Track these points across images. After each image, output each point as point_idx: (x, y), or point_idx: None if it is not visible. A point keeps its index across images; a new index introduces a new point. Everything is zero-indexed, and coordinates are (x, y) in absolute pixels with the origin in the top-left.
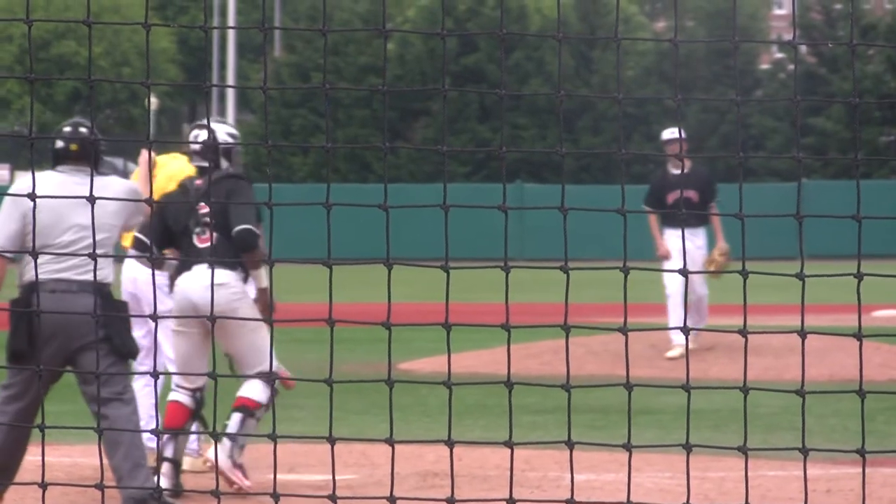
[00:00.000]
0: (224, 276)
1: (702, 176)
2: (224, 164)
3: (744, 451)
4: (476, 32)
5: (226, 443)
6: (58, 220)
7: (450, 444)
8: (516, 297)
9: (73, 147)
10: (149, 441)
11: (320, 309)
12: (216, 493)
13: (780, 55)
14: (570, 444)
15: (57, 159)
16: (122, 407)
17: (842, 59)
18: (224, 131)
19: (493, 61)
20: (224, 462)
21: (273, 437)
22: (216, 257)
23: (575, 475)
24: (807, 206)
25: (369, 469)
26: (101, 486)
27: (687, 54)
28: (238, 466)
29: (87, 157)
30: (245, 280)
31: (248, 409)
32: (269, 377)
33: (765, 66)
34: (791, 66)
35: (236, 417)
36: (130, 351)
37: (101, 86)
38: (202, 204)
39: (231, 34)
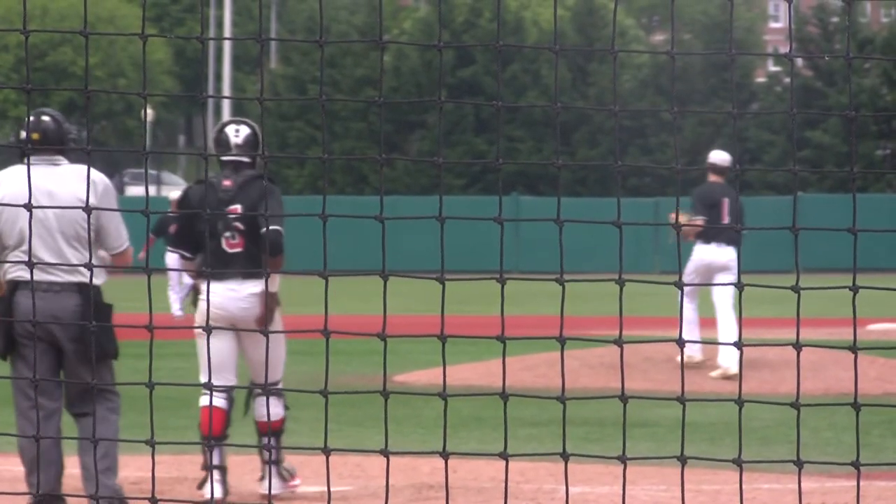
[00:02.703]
0: (259, 286)
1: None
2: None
3: (739, 463)
4: (473, 45)
5: (274, 469)
6: (16, 217)
7: (445, 455)
8: (512, 310)
9: (35, 136)
10: None
11: (316, 320)
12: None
13: (776, 68)
14: (566, 457)
15: (23, 152)
16: (101, 408)
17: (838, 73)
18: (256, 129)
19: (490, 74)
20: (280, 486)
21: (268, 449)
22: (247, 263)
23: (570, 487)
24: (803, 219)
25: (364, 481)
26: (95, 497)
27: (683, 67)
28: (291, 477)
29: (51, 144)
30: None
31: (278, 430)
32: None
33: (761, 80)
34: (787, 79)
35: (272, 442)
36: (106, 352)
37: (96, 96)
38: (232, 207)
39: (227, 46)
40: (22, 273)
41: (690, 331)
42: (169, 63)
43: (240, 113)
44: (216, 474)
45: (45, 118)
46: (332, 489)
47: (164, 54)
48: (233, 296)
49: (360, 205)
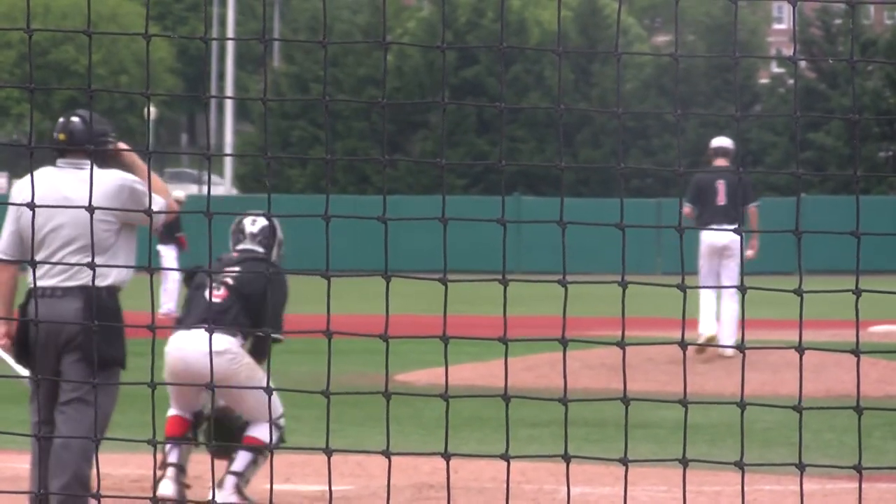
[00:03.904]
0: (224, 342)
1: None
2: (274, 253)
3: (740, 465)
4: (476, 46)
5: (229, 479)
6: (46, 221)
7: (446, 456)
8: (514, 311)
9: (62, 137)
10: None
11: (318, 320)
12: None
13: (779, 70)
14: (567, 458)
15: (56, 153)
16: (73, 416)
17: (841, 75)
18: (274, 223)
19: (493, 74)
20: (234, 498)
21: (270, 448)
22: (222, 316)
23: (571, 488)
24: (805, 221)
25: (365, 480)
26: (97, 496)
27: (687, 69)
28: (246, 499)
29: (80, 146)
30: (244, 344)
31: (257, 447)
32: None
33: (764, 81)
34: (790, 82)
35: (245, 455)
36: (110, 359)
37: (98, 94)
38: (230, 268)
39: (230, 45)
40: (35, 276)
41: (707, 316)
42: (171, 61)
43: (242, 112)
44: (171, 472)
45: (74, 119)
46: (333, 489)
47: (167, 52)
48: (190, 348)
49: (363, 204)
